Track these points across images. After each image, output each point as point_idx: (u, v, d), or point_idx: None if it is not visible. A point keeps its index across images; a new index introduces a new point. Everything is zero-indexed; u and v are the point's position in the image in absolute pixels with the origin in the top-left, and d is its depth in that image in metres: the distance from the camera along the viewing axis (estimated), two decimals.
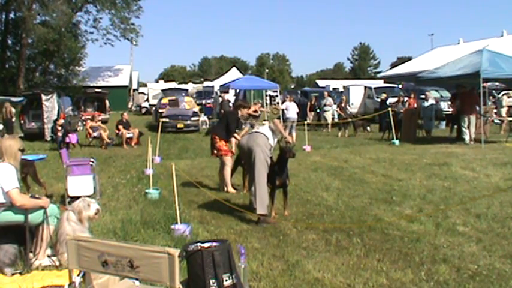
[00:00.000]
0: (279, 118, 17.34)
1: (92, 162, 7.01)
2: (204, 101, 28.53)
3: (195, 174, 9.11)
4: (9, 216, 4.21)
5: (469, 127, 13.01)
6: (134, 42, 35.42)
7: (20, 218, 4.22)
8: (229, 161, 7.54)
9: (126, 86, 43.20)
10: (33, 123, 17.22)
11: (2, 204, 4.20)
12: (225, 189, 7.51)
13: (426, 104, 15.55)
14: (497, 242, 4.74)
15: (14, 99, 19.71)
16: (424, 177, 8.28)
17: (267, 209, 5.68)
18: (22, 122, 17.36)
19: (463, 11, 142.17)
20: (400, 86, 26.89)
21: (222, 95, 20.63)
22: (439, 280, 3.85)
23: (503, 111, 16.26)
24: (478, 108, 13.02)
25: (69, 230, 4.25)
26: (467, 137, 12.88)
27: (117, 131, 15.02)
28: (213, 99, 19.95)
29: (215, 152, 7.68)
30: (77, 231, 4.26)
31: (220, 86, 26.84)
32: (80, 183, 6.62)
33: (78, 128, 19.65)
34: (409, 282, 3.83)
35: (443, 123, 18.47)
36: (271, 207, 5.92)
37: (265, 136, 5.94)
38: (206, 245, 2.73)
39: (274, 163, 6.01)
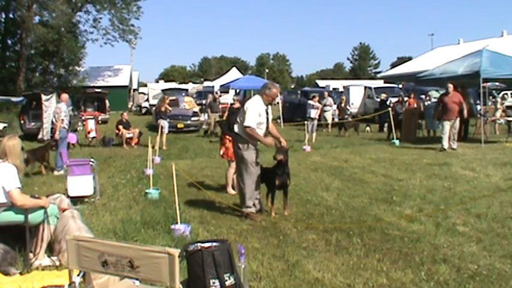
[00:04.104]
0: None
1: (92, 162, 7.01)
2: (204, 101, 28.55)
3: (195, 174, 9.11)
4: (10, 216, 4.22)
5: (450, 131, 11.79)
6: (133, 45, 35.37)
7: (20, 218, 4.22)
8: (235, 164, 7.36)
9: (126, 86, 43.16)
10: (33, 123, 17.20)
11: (3, 204, 4.20)
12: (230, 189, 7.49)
13: (429, 103, 15.54)
14: (497, 242, 4.75)
15: (14, 99, 19.71)
16: (424, 177, 8.28)
17: (250, 201, 5.82)
18: (22, 122, 17.34)
19: (463, 11, 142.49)
20: (400, 86, 26.90)
21: (210, 95, 20.70)
22: (439, 280, 3.85)
23: (498, 113, 16.24)
24: (463, 108, 11.88)
25: (74, 227, 4.30)
26: (445, 143, 11.65)
27: (117, 131, 15.01)
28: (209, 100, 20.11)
29: (222, 152, 7.59)
30: (82, 229, 4.35)
31: (221, 86, 26.86)
32: (80, 183, 6.62)
33: (78, 128, 19.64)
34: (409, 282, 3.83)
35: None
36: (271, 207, 5.95)
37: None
38: (206, 245, 2.73)
39: (274, 164, 6.02)
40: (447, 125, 11.78)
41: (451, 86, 12.03)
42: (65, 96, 10.45)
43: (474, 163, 9.58)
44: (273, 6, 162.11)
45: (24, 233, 4.22)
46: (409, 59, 51.76)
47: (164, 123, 13.68)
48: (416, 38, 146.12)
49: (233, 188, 7.45)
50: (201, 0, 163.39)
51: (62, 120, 9.74)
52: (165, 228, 5.30)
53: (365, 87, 25.92)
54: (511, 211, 5.87)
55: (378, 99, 20.09)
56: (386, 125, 16.18)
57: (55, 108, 10.27)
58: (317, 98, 16.03)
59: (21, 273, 4.05)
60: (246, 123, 5.71)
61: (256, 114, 5.77)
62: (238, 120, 5.91)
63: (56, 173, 9.32)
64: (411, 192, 7.05)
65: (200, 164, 10.54)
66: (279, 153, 5.85)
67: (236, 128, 5.95)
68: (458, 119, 11.94)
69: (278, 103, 24.95)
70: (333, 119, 18.87)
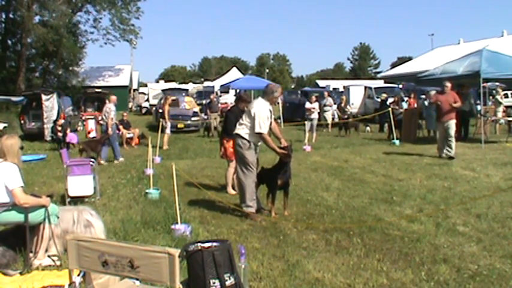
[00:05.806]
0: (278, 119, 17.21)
1: (92, 162, 7.01)
2: (204, 101, 28.55)
3: (195, 174, 9.11)
4: (11, 216, 4.23)
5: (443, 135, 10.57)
6: (133, 44, 35.32)
7: (20, 217, 4.23)
8: (234, 164, 7.19)
9: (127, 86, 43.19)
10: (33, 123, 17.20)
11: (5, 203, 4.20)
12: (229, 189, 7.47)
13: (427, 103, 15.48)
14: (497, 242, 4.74)
15: (14, 99, 19.68)
16: (424, 177, 8.28)
17: (250, 201, 5.83)
18: (22, 122, 17.33)
19: (463, 11, 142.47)
20: (400, 86, 26.87)
21: (212, 96, 20.74)
22: (439, 280, 3.85)
23: (499, 113, 16.23)
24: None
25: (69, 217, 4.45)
26: (444, 150, 10.46)
27: (117, 131, 14.98)
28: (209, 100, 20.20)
29: (221, 153, 7.58)
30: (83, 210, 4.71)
31: (221, 86, 26.85)
32: (80, 183, 6.62)
33: (78, 128, 19.64)
34: (409, 282, 3.83)
35: None
36: (271, 207, 5.95)
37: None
38: (206, 245, 2.73)
39: (276, 163, 6.02)
40: (440, 128, 10.62)
41: (448, 84, 10.81)
42: (113, 97, 11.84)
43: (474, 163, 9.58)
44: (273, 6, 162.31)
45: (25, 233, 4.23)
46: (409, 59, 51.76)
47: (167, 123, 13.69)
48: (416, 38, 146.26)
49: (233, 188, 7.45)
50: (201, 0, 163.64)
51: (112, 118, 11.23)
52: (165, 228, 5.30)
53: (365, 87, 25.91)
54: (511, 211, 5.87)
55: (378, 99, 20.09)
56: (386, 125, 16.17)
57: (106, 108, 11.50)
58: (313, 99, 16.02)
59: (21, 273, 4.05)
60: (259, 130, 5.74)
61: (266, 119, 5.80)
62: (245, 122, 5.89)
63: (116, 162, 10.95)
64: (411, 192, 7.05)
65: (200, 164, 10.54)
66: (287, 151, 5.83)
67: (239, 130, 5.94)
68: (454, 121, 10.55)
69: (278, 103, 24.99)
70: (332, 119, 18.87)
